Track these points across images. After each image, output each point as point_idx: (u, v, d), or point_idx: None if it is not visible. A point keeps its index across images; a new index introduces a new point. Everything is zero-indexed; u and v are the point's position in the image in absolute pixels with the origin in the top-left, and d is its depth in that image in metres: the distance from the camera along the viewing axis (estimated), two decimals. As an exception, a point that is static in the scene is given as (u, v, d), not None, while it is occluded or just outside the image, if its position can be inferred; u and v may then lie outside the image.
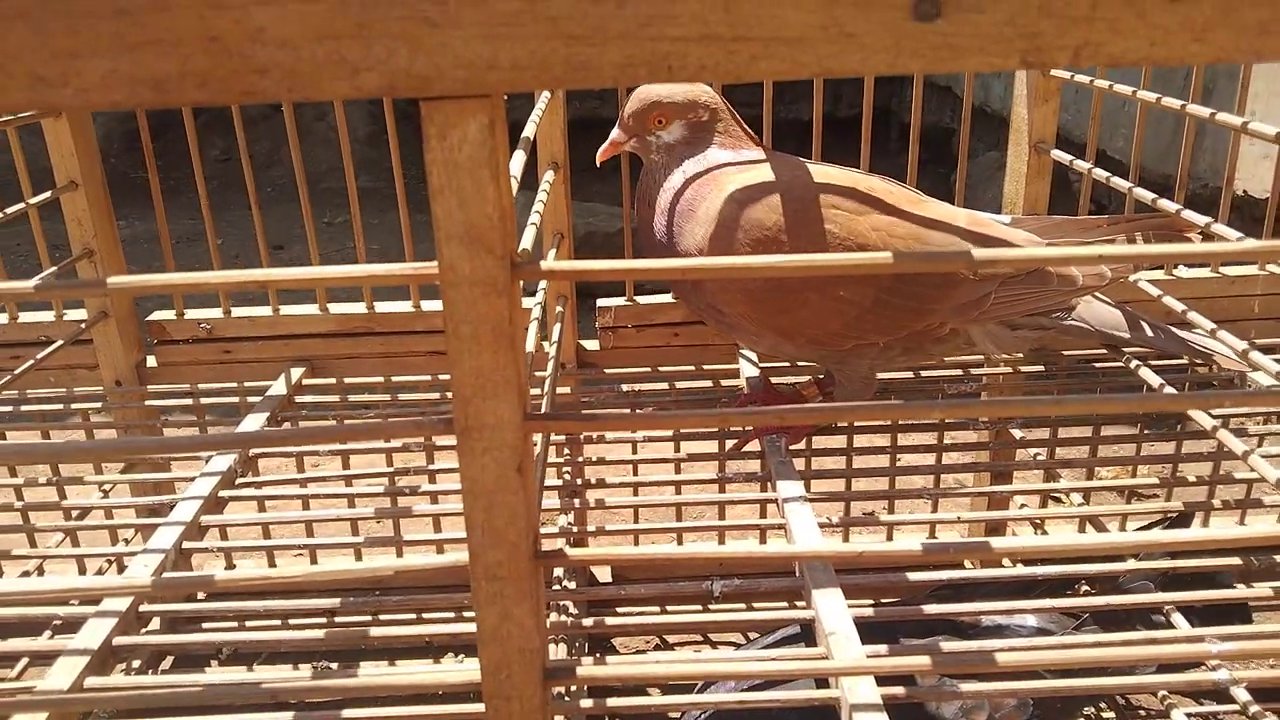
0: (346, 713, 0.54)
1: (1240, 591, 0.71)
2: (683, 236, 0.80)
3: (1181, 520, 0.91)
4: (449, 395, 1.02)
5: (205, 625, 1.04)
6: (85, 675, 0.58)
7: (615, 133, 0.86)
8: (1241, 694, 0.70)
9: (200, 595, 1.04)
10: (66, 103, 0.34)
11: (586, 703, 0.55)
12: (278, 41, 0.34)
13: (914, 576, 0.72)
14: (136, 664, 1.01)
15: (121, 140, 4.06)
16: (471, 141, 0.36)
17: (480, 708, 0.46)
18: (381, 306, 1.07)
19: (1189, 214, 0.84)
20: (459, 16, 0.34)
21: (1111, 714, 1.05)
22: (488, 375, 0.40)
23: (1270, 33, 0.34)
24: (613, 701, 0.55)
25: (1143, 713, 1.05)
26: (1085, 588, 0.87)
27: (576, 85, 0.36)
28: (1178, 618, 0.76)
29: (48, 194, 0.96)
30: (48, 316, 1.06)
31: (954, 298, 0.80)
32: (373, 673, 0.48)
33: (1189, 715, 0.88)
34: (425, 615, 1.04)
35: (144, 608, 0.65)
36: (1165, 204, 0.87)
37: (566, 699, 0.91)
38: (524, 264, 0.39)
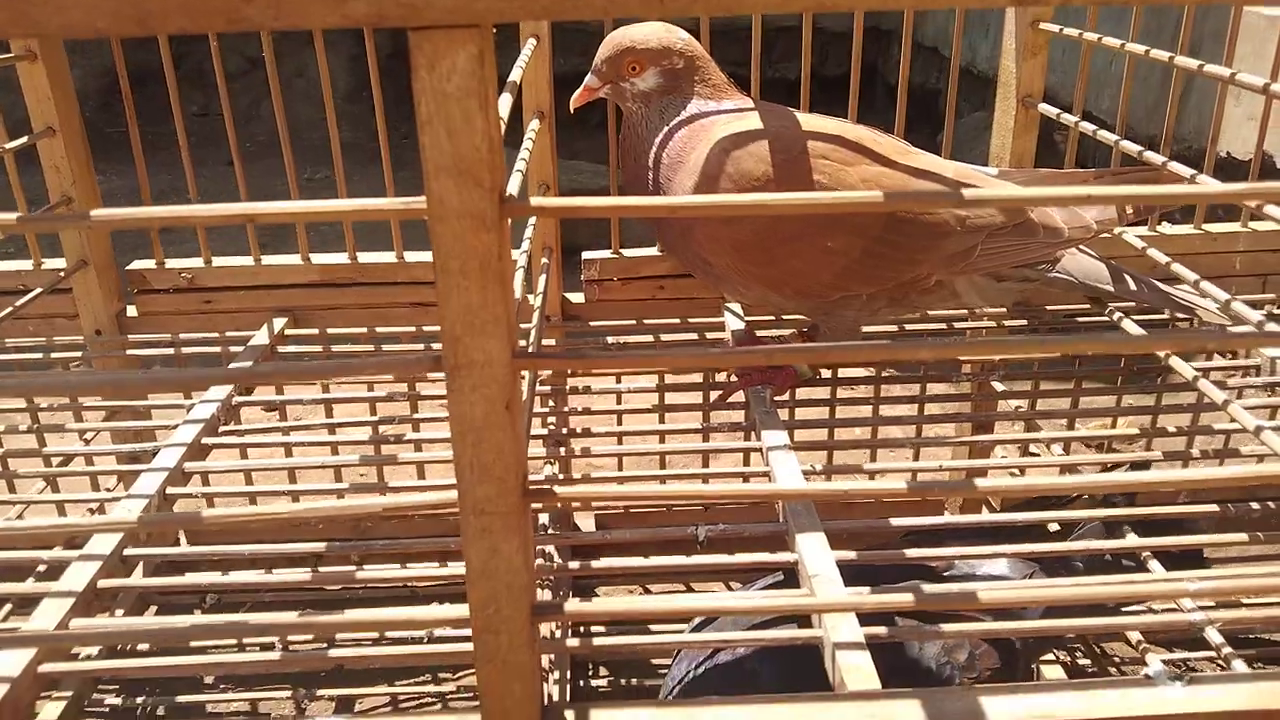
0: (334, 652, 0.54)
1: (1214, 537, 0.72)
2: (671, 186, 0.80)
3: (1142, 466, 0.92)
4: (434, 346, 1.02)
5: (189, 573, 1.04)
6: (70, 617, 0.58)
7: (589, 79, 0.85)
8: (1215, 636, 0.71)
9: (183, 542, 1.05)
10: (50, 28, 0.34)
11: (573, 642, 0.55)
12: (263, -33, 0.33)
13: (895, 522, 0.73)
14: (120, 612, 1.02)
15: (97, 95, 3.98)
16: (461, 72, 0.36)
17: (468, 647, 0.47)
18: (365, 257, 1.06)
19: (1175, 166, 0.84)
20: (448, -59, 0.33)
21: (1087, 660, 1.07)
22: (476, 312, 0.39)
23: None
24: (598, 641, 0.55)
25: (1118, 660, 1.08)
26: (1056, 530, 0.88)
27: (566, 16, 0.36)
28: (1154, 564, 0.77)
29: (24, 139, 0.94)
30: (26, 265, 1.05)
31: (941, 249, 0.80)
32: (355, 616, 0.48)
33: (1164, 662, 0.90)
34: (410, 564, 1.05)
35: (128, 551, 0.65)
36: (1152, 156, 0.87)
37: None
38: (513, 200, 0.39)
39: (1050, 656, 1.06)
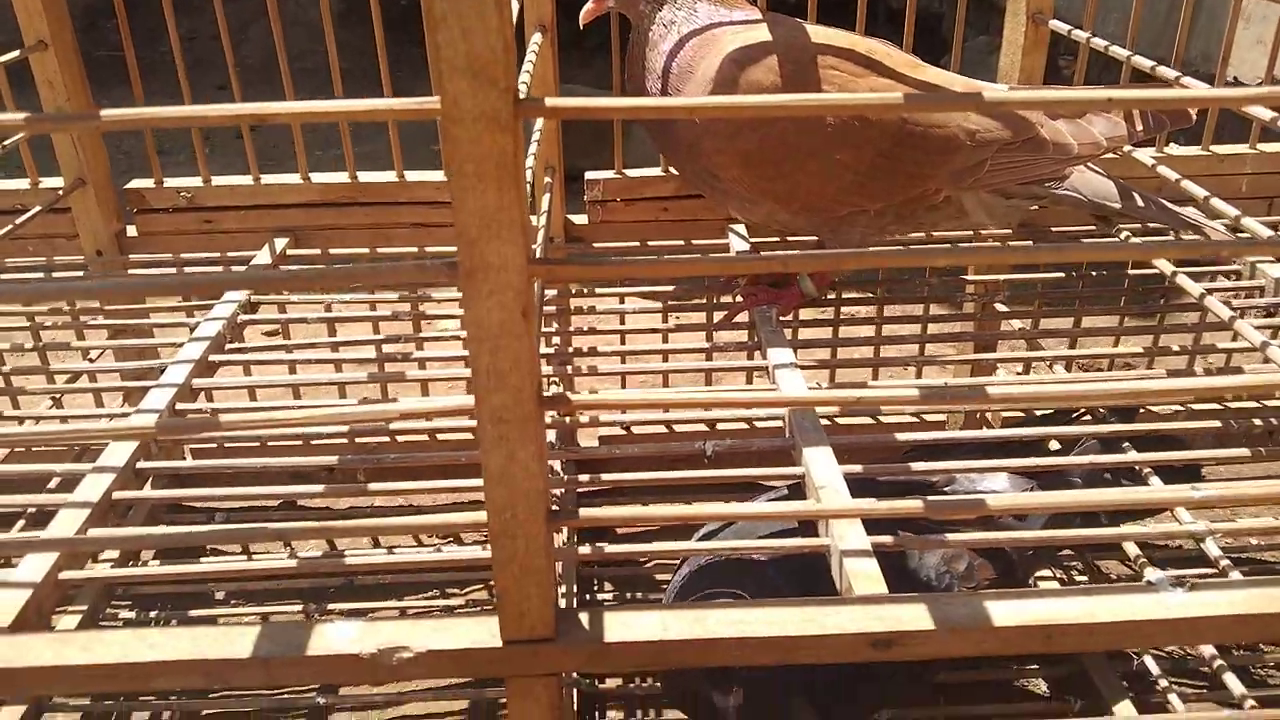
0: (351, 559, 0.55)
1: (1214, 452, 0.73)
2: (679, 97, 0.79)
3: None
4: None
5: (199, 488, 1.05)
6: (87, 526, 0.59)
7: None
8: (1214, 549, 0.72)
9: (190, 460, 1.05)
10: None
11: (584, 549, 0.56)
12: None
13: (900, 437, 0.73)
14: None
15: (83, 17, 3.90)
16: (475, -35, 0.35)
17: (486, 553, 0.47)
18: (365, 177, 1.05)
19: (1188, 81, 0.83)
20: None
21: (1084, 577, 1.09)
22: (492, 215, 0.39)
23: None
24: (611, 548, 0.56)
25: (1114, 577, 1.10)
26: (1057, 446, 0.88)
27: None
28: (1154, 480, 0.78)
29: (16, 53, 0.92)
30: (22, 184, 1.04)
31: (951, 163, 0.80)
32: (376, 522, 0.49)
33: (1165, 575, 0.92)
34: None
35: (141, 465, 0.65)
36: (1165, 71, 0.86)
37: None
38: (527, 100, 0.39)
39: (1046, 573, 1.08)
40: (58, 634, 0.49)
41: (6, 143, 0.93)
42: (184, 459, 1.00)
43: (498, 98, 0.37)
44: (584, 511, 0.48)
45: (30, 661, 0.47)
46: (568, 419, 0.96)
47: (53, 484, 0.86)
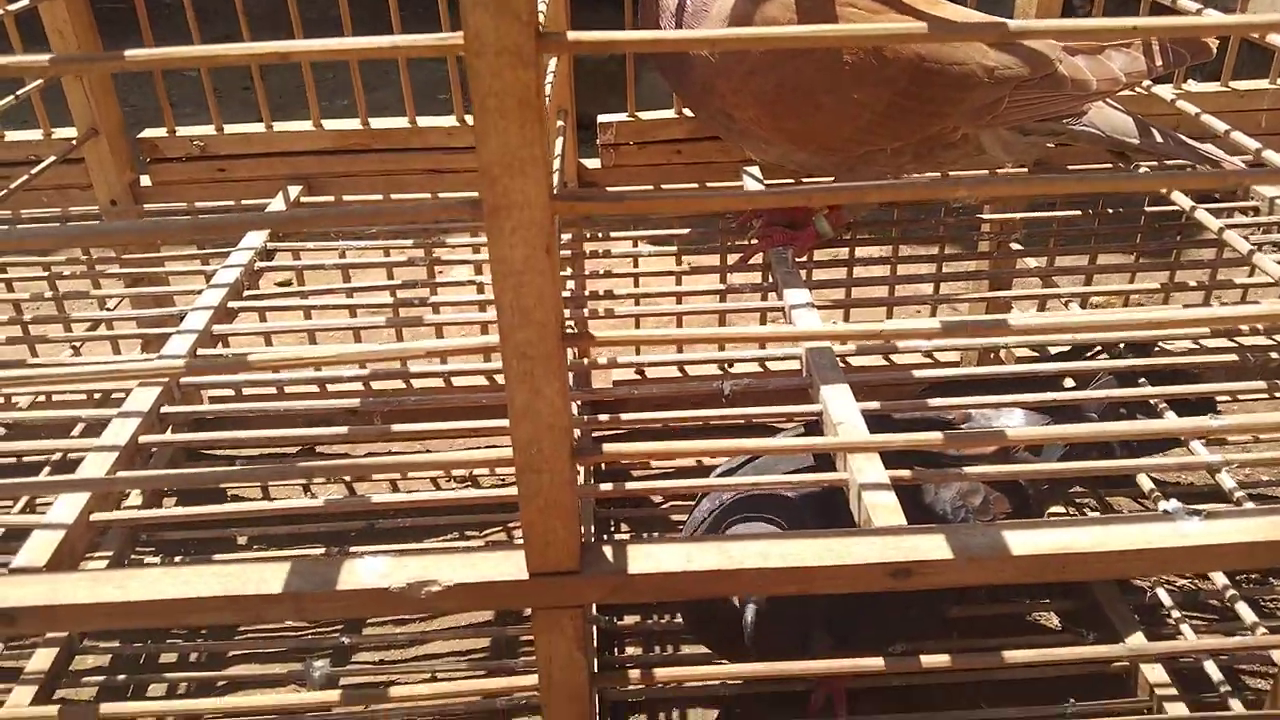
0: (378, 497, 0.56)
1: (1230, 385, 0.73)
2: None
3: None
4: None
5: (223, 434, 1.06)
6: (115, 469, 0.60)
7: None
8: (1228, 481, 0.73)
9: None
10: None
11: (606, 485, 0.57)
12: None
13: (917, 374, 0.74)
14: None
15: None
16: (496, -107, 0.35)
17: (513, 490, 0.48)
18: (377, 123, 1.04)
19: (1210, 13, 0.81)
20: None
21: (1098, 513, 1.10)
22: (515, 151, 0.39)
23: None
24: (632, 485, 0.57)
25: (1127, 512, 1.10)
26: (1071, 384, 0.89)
27: None
28: (1170, 415, 0.79)
29: (25, 1, 0.92)
30: (35, 135, 1.04)
31: (968, 101, 0.79)
32: (405, 459, 0.50)
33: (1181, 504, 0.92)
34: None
35: (165, 409, 0.66)
36: (1185, 3, 0.85)
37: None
38: (549, 34, 0.38)
39: (1059, 510, 1.09)
40: (93, 572, 0.50)
41: (20, 93, 0.92)
42: (203, 401, 1.01)
43: (520, 31, 0.37)
44: (607, 447, 0.49)
45: (67, 599, 0.48)
46: (585, 360, 0.96)
47: (77, 430, 0.88)
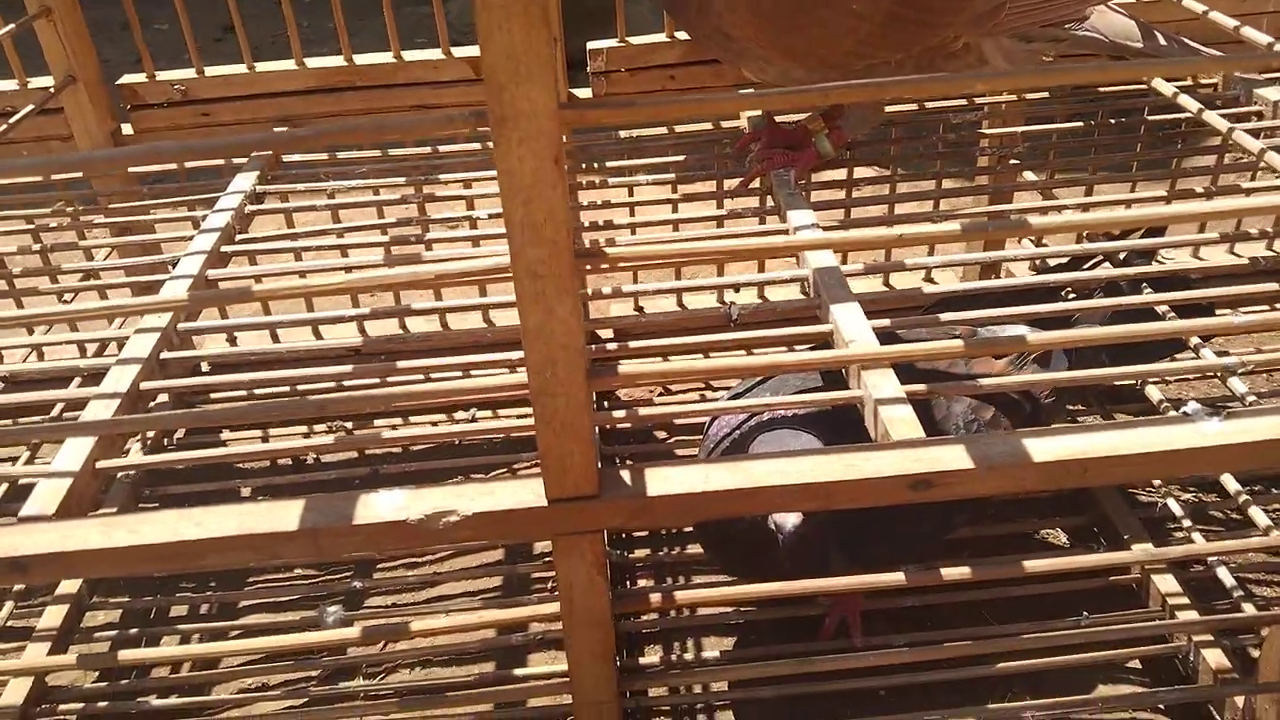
0: (389, 434, 0.55)
1: (1238, 288, 0.72)
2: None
3: (1159, 231, 0.91)
4: (439, 149, 0.99)
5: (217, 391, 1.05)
6: (119, 414, 0.59)
7: None
8: (1239, 386, 0.72)
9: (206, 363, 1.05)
10: None
11: (619, 412, 0.56)
12: None
13: (927, 290, 0.73)
14: (150, 434, 1.03)
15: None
16: None
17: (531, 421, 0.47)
18: (361, 59, 1.01)
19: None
20: None
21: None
22: (520, 57, 0.38)
23: None
24: (644, 411, 0.56)
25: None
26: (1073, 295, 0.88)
27: None
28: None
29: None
30: (10, 85, 1.01)
31: (969, 8, 0.77)
32: (419, 388, 0.49)
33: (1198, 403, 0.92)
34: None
35: (164, 355, 0.65)
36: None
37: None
38: (550, -72, 0.37)
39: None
40: (104, 518, 0.50)
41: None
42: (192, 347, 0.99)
43: (520, -77, 0.35)
44: (623, 367, 0.48)
45: (79, 545, 0.47)
46: (587, 290, 0.95)
47: (76, 382, 0.86)
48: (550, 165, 0.40)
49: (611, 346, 0.65)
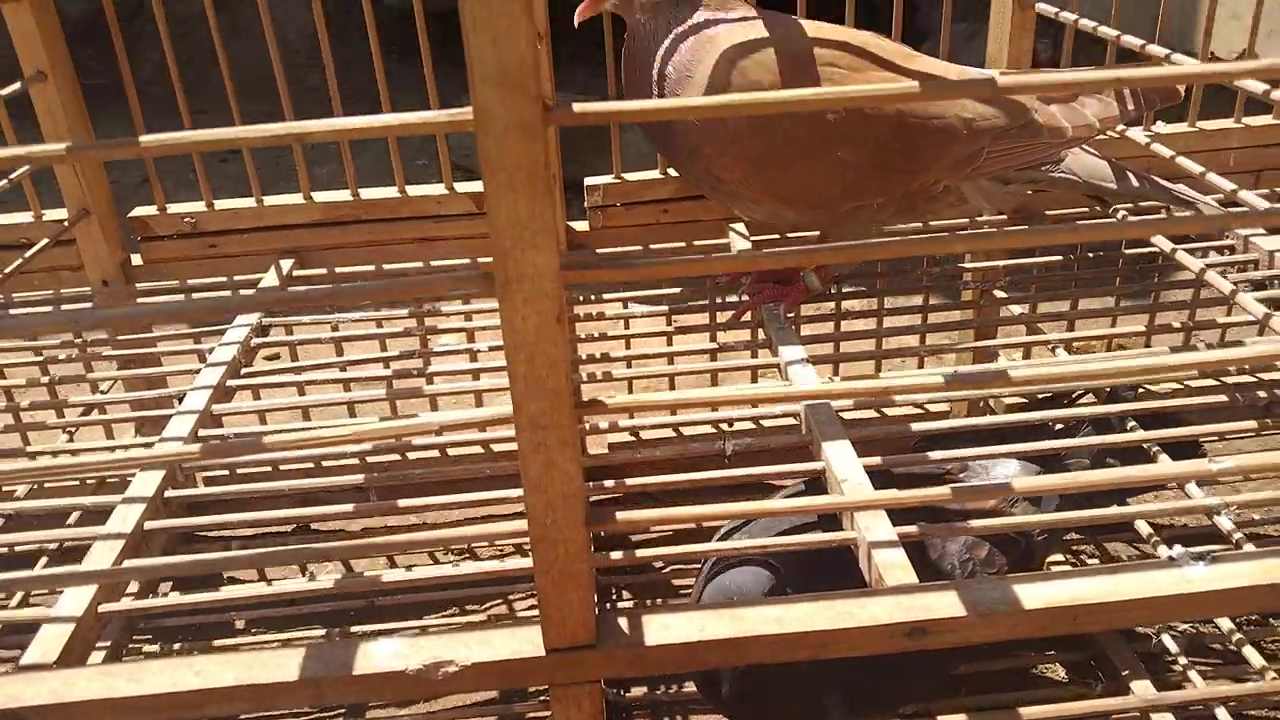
0: (389, 576, 0.55)
1: (1220, 426, 0.74)
2: (681, 97, 0.79)
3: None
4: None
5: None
6: (122, 558, 0.59)
7: None
8: (1226, 523, 0.73)
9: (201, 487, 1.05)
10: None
11: (616, 554, 0.57)
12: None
13: (914, 427, 0.74)
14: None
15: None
16: (504, -23, 0.35)
17: (528, 563, 0.48)
18: (367, 193, 1.05)
19: (1178, 58, 0.84)
20: None
21: (1095, 560, 1.10)
22: (525, 224, 0.40)
23: None
24: (642, 552, 0.56)
25: (1125, 559, 1.10)
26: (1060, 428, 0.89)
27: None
28: (1163, 457, 0.79)
29: (16, 85, 0.92)
30: (26, 218, 1.04)
31: (949, 154, 0.81)
32: (417, 537, 0.49)
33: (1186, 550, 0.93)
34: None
35: (169, 493, 0.66)
36: (1154, 49, 0.87)
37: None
38: (557, 108, 0.39)
39: (1059, 558, 1.09)
40: (105, 667, 0.49)
41: (14, 175, 0.93)
42: (195, 484, 1.00)
43: (528, 106, 0.37)
44: (621, 515, 0.49)
45: (81, 695, 0.47)
46: (585, 425, 0.96)
47: (72, 519, 0.86)
48: (552, 323, 0.42)
49: (609, 484, 0.66)
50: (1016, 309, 1.03)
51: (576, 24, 0.84)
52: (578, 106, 0.39)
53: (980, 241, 0.48)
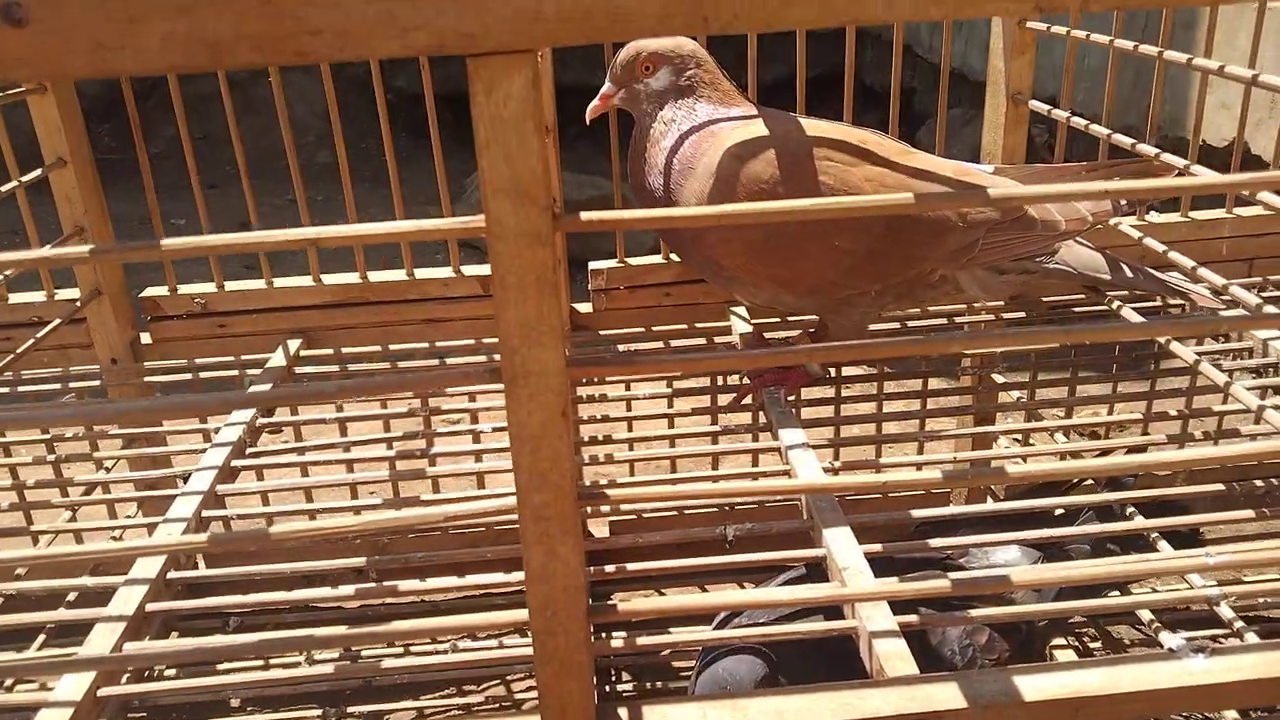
0: (390, 663, 0.56)
1: (1218, 516, 0.74)
2: (683, 192, 0.82)
3: (1140, 451, 0.94)
4: (447, 361, 1.03)
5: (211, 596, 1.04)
6: (123, 640, 0.59)
7: (605, 86, 0.87)
8: (1227, 612, 0.73)
9: (201, 566, 1.05)
10: (126, 67, 0.35)
11: (617, 642, 0.57)
12: (330, 2, 0.35)
13: (914, 514, 0.75)
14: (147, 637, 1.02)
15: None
16: (517, 97, 0.37)
17: (525, 643, 0.48)
18: (375, 276, 1.07)
19: (1168, 158, 0.86)
20: (505, -27, 0.35)
21: (1097, 644, 1.09)
22: (533, 324, 0.41)
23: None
24: (643, 640, 0.57)
25: (1126, 642, 1.10)
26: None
27: (617, 38, 0.38)
28: (1163, 544, 0.80)
29: (38, 172, 0.95)
30: (39, 297, 1.06)
31: (945, 245, 0.83)
32: (419, 625, 0.50)
33: (1185, 638, 0.92)
34: (429, 578, 1.06)
35: (171, 575, 0.66)
36: (1144, 149, 0.90)
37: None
38: (564, 216, 0.41)
39: (1061, 641, 1.08)
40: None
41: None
42: (196, 566, 1.00)
43: (538, 216, 0.39)
44: (623, 606, 0.49)
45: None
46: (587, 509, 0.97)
47: (71, 597, 0.86)
48: (558, 418, 0.43)
49: (610, 568, 0.67)
50: (1015, 394, 1.04)
51: (588, 120, 0.87)
52: (585, 216, 0.41)
53: (977, 342, 0.50)
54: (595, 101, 0.87)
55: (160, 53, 0.35)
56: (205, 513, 0.73)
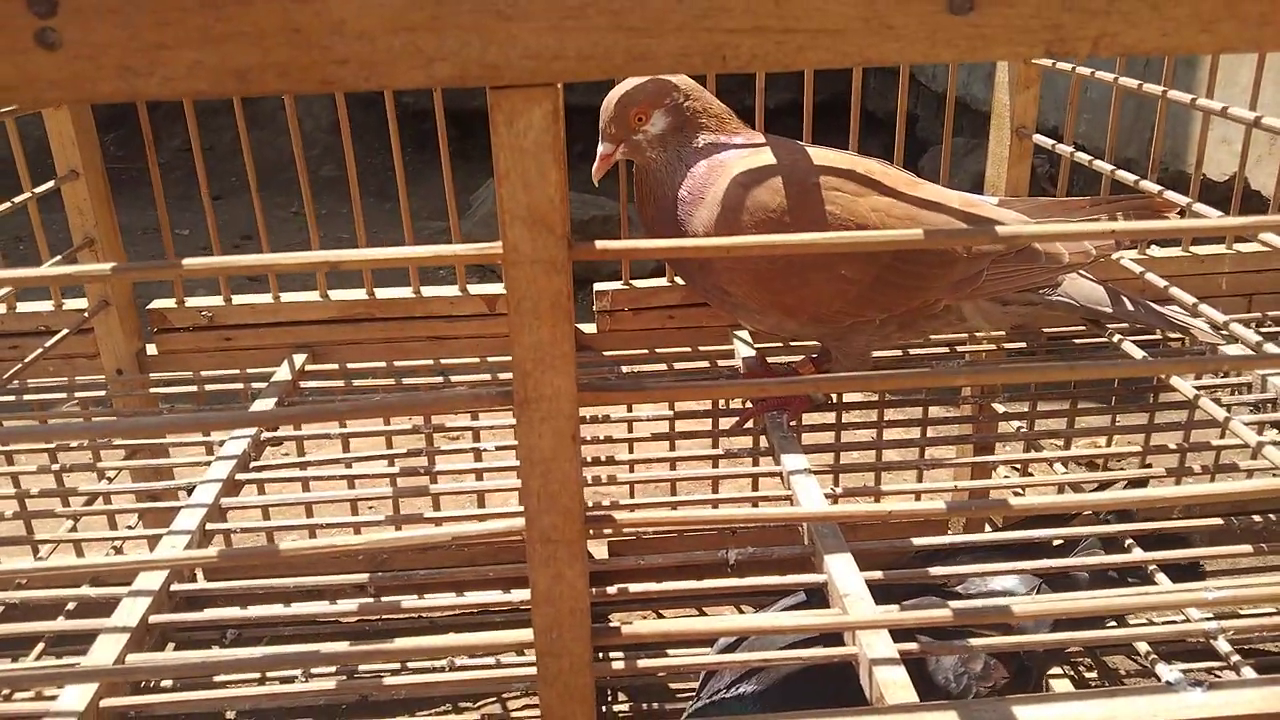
0: (391, 680, 0.56)
1: (1216, 550, 0.75)
2: (692, 222, 0.82)
3: (1140, 484, 0.95)
4: (452, 379, 1.04)
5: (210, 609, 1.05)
6: (126, 652, 0.60)
7: (602, 147, 0.86)
8: (1224, 645, 0.74)
9: (200, 579, 1.05)
10: (153, 92, 0.36)
11: (618, 664, 0.57)
12: (357, 33, 0.36)
13: (916, 542, 0.75)
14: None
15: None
16: (536, 128, 0.38)
17: (532, 670, 0.49)
18: (382, 293, 1.08)
19: (1171, 195, 0.87)
20: (528, 9, 0.36)
21: (1093, 674, 1.09)
22: (546, 349, 0.42)
23: (1270, 24, 0.38)
24: (644, 662, 0.57)
25: (1122, 673, 1.10)
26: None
27: (635, 73, 0.39)
28: (1161, 576, 0.80)
29: (50, 183, 0.96)
30: (46, 306, 1.06)
31: (949, 275, 0.83)
32: (421, 643, 0.50)
33: (1183, 670, 0.93)
34: (427, 594, 1.06)
35: (174, 587, 0.67)
36: (1147, 185, 0.91)
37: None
38: (579, 244, 0.42)
39: (1057, 670, 1.08)
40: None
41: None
42: (195, 578, 1.00)
43: (554, 244, 0.40)
44: (626, 629, 0.50)
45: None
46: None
47: (70, 606, 0.87)
48: (568, 441, 0.44)
49: (612, 589, 0.67)
50: (1015, 424, 1.05)
51: (595, 181, 0.87)
52: (600, 245, 0.41)
53: (980, 377, 0.51)
54: (597, 163, 0.85)
55: (187, 79, 0.36)
56: (209, 526, 0.73)
